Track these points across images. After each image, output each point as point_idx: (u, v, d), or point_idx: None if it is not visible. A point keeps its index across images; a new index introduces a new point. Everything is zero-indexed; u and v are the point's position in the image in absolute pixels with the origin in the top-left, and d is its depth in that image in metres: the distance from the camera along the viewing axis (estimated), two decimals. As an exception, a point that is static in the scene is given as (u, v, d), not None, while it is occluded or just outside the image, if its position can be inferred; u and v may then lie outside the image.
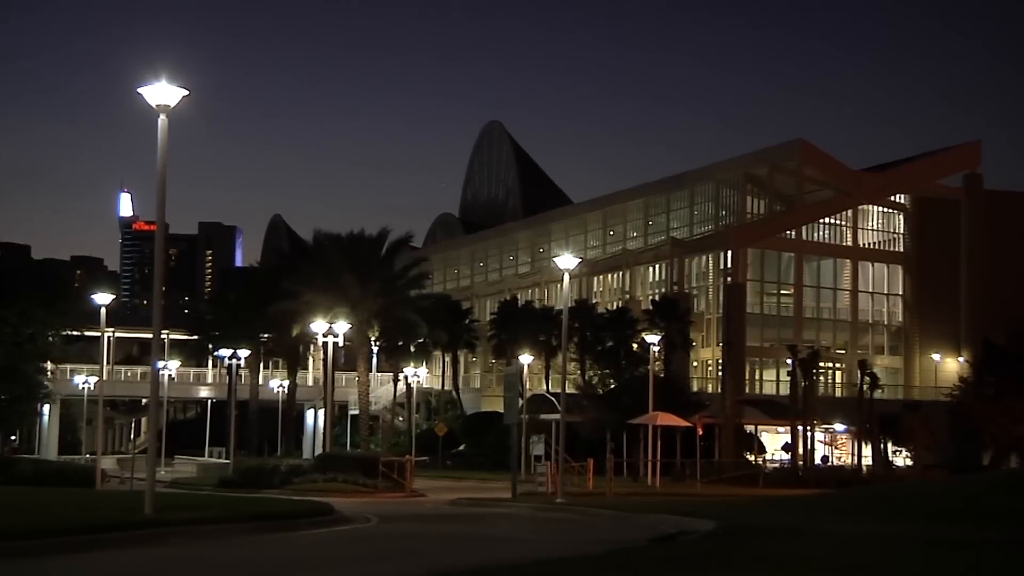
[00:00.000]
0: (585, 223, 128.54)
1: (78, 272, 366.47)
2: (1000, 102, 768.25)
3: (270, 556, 24.08)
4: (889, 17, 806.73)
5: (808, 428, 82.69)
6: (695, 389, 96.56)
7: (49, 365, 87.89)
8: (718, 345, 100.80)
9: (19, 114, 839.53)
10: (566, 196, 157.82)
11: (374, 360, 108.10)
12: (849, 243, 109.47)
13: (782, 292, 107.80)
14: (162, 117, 29.01)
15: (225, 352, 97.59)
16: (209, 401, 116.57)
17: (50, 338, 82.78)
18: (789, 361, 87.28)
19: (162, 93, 28.91)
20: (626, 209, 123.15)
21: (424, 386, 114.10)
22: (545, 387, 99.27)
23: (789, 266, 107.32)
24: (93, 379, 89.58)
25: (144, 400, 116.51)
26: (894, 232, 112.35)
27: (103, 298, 57.92)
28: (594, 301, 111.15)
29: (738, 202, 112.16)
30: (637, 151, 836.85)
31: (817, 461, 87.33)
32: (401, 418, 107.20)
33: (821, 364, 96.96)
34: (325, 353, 76.92)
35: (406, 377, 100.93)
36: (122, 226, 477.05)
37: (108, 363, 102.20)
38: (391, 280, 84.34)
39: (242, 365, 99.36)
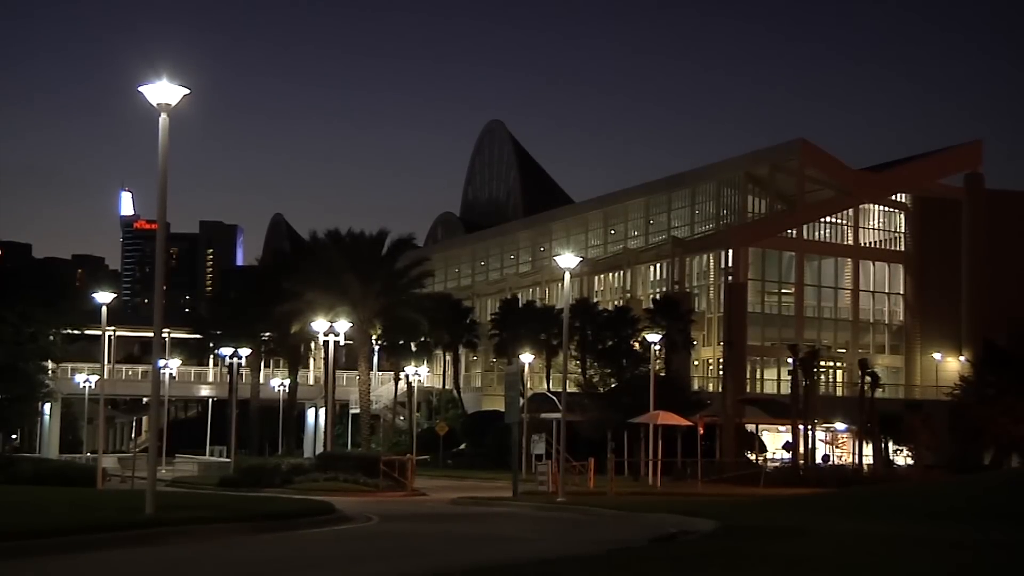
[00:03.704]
0: (586, 222, 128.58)
1: (79, 271, 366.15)
2: (1001, 102, 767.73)
3: (271, 555, 24.10)
4: (890, 17, 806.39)
5: (809, 427, 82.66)
6: (696, 388, 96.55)
7: (50, 364, 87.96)
8: (719, 344, 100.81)
9: (20, 113, 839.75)
10: (567, 195, 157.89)
11: (375, 359, 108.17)
12: (850, 242, 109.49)
13: (783, 291, 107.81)
14: (163, 116, 29.02)
15: (226, 351, 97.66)
16: (210, 400, 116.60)
17: (51, 337, 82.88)
18: (790, 360, 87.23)
19: (163, 92, 28.91)
20: (627, 208, 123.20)
21: (425, 385, 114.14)
22: (546, 386, 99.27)
23: (790, 265, 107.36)
24: (94, 378, 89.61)
25: (145, 399, 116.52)
26: (895, 232, 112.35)
27: (104, 297, 58.01)
28: (595, 300, 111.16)
29: (739, 201, 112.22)
30: (638, 151, 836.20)
31: (818, 460, 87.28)
32: (402, 417, 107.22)
33: (822, 363, 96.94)
34: (326, 352, 76.98)
35: (407, 376, 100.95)
36: (123, 225, 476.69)
37: (109, 362, 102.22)
38: (392, 279, 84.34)
39: (243, 364, 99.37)
